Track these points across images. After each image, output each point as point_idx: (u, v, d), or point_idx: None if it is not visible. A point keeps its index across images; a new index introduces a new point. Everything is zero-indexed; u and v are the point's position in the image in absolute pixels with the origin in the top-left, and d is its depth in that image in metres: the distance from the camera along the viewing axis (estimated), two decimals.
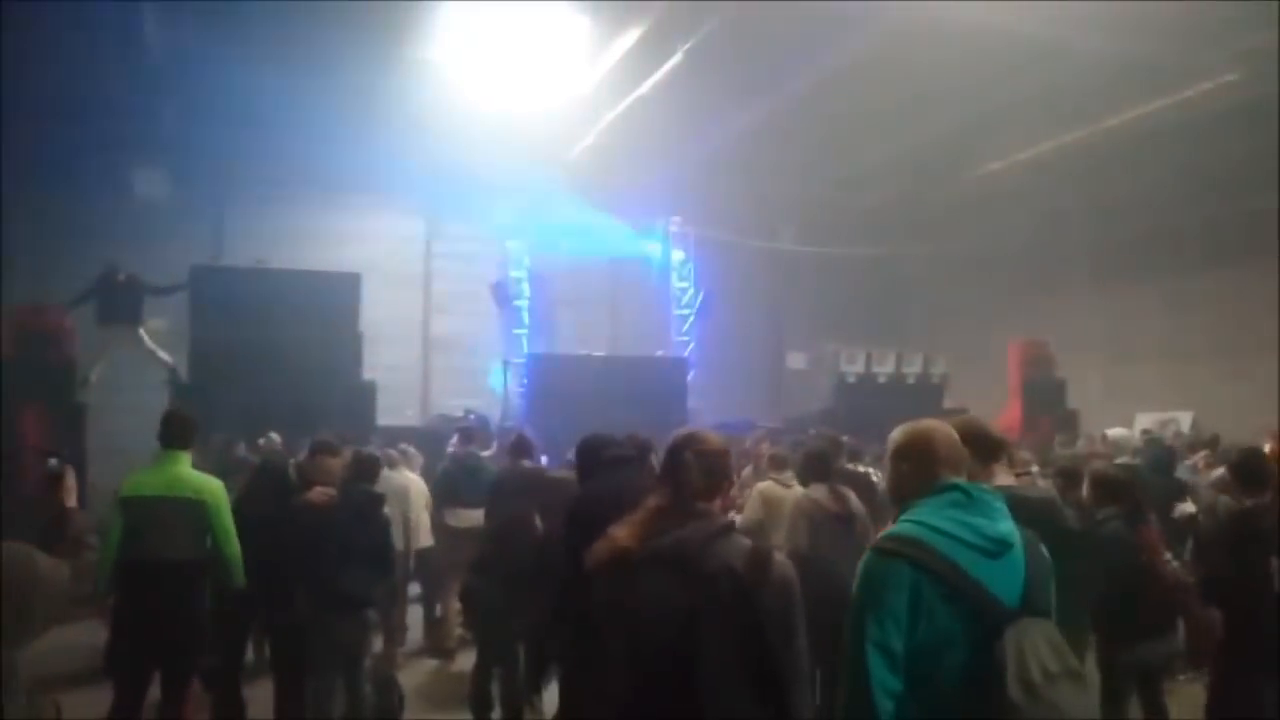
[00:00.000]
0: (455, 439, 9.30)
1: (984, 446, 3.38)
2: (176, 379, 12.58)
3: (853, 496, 5.31)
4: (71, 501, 3.54)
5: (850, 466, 6.45)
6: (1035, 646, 2.23)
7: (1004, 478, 3.58)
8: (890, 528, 2.42)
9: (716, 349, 18.32)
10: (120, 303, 12.53)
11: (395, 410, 14.76)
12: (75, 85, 14.14)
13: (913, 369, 16.00)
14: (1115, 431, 8.88)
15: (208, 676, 5.22)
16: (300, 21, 12.39)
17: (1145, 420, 15.38)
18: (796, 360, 20.40)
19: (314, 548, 5.04)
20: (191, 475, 5.00)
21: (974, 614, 2.23)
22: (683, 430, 2.68)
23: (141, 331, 12.86)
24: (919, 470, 2.45)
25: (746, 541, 2.44)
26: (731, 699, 2.28)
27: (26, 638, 2.73)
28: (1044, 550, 2.44)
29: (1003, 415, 15.44)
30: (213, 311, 12.42)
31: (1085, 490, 5.18)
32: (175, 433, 5.06)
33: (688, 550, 2.37)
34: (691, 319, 17.97)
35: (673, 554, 2.36)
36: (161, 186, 16.37)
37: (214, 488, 5.02)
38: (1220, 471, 6.80)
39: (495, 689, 5.54)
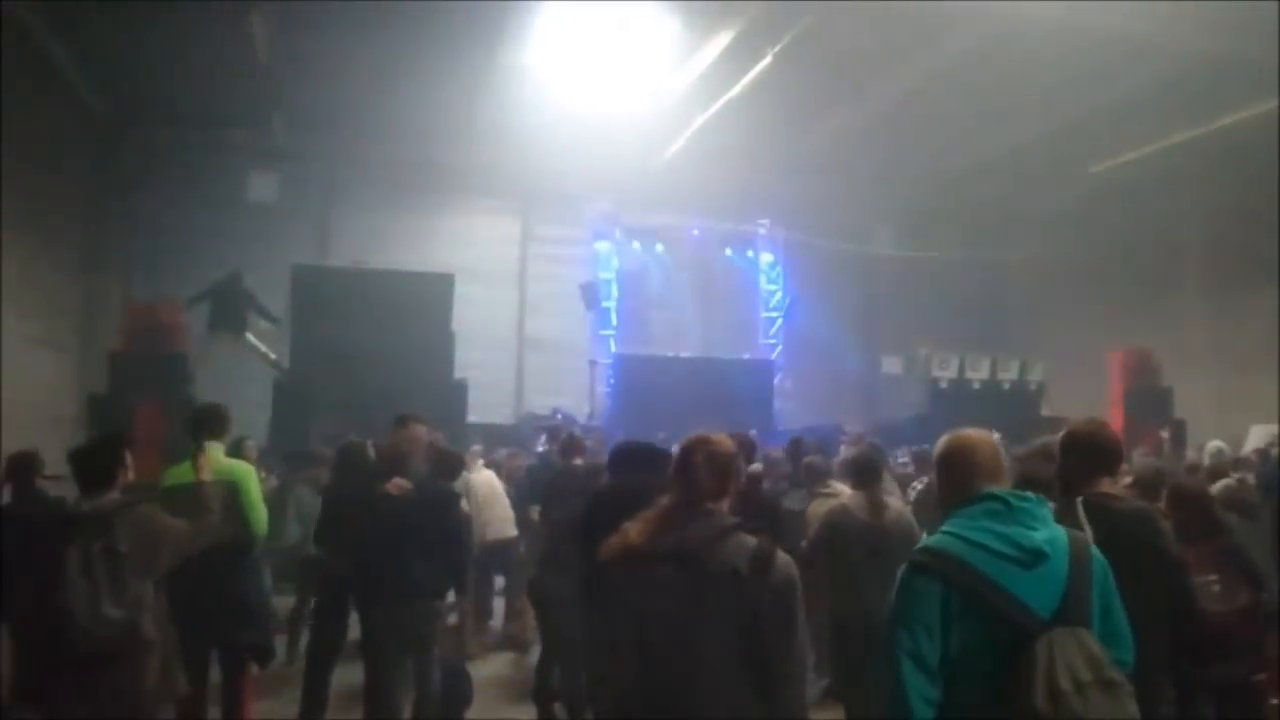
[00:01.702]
0: (544, 438, 9.48)
1: (1091, 454, 3.32)
2: (282, 375, 13.08)
3: (893, 506, 5.19)
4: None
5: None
6: (1067, 655, 2.24)
7: (1107, 486, 3.44)
8: (927, 540, 2.47)
9: (805, 352, 18.18)
10: (230, 311, 13.06)
11: (490, 409, 15.08)
12: (191, 95, 14.90)
13: (1008, 374, 15.61)
14: (1212, 445, 8.48)
15: (259, 654, 5.42)
16: (400, 29, 12.81)
17: (1260, 433, 14.68)
18: (891, 364, 20.06)
19: (388, 537, 5.23)
20: (224, 462, 5.25)
21: (1004, 624, 2.26)
22: (695, 434, 2.75)
23: (248, 335, 13.42)
24: (959, 479, 2.50)
25: (752, 541, 2.51)
26: (731, 693, 2.35)
27: (155, 572, 3.82)
28: (1097, 560, 2.44)
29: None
30: (312, 310, 12.88)
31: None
32: (205, 424, 5.28)
33: (692, 548, 2.45)
34: (779, 322, 17.87)
35: (678, 551, 2.45)
36: (271, 190, 17.08)
37: (241, 468, 5.32)
38: None
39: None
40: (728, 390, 14.37)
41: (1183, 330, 16.73)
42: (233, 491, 5.12)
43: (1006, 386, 15.58)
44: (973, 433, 2.58)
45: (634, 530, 2.54)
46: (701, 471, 2.60)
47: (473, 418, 13.07)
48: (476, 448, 9.03)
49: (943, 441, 2.59)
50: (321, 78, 14.38)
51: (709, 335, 18.47)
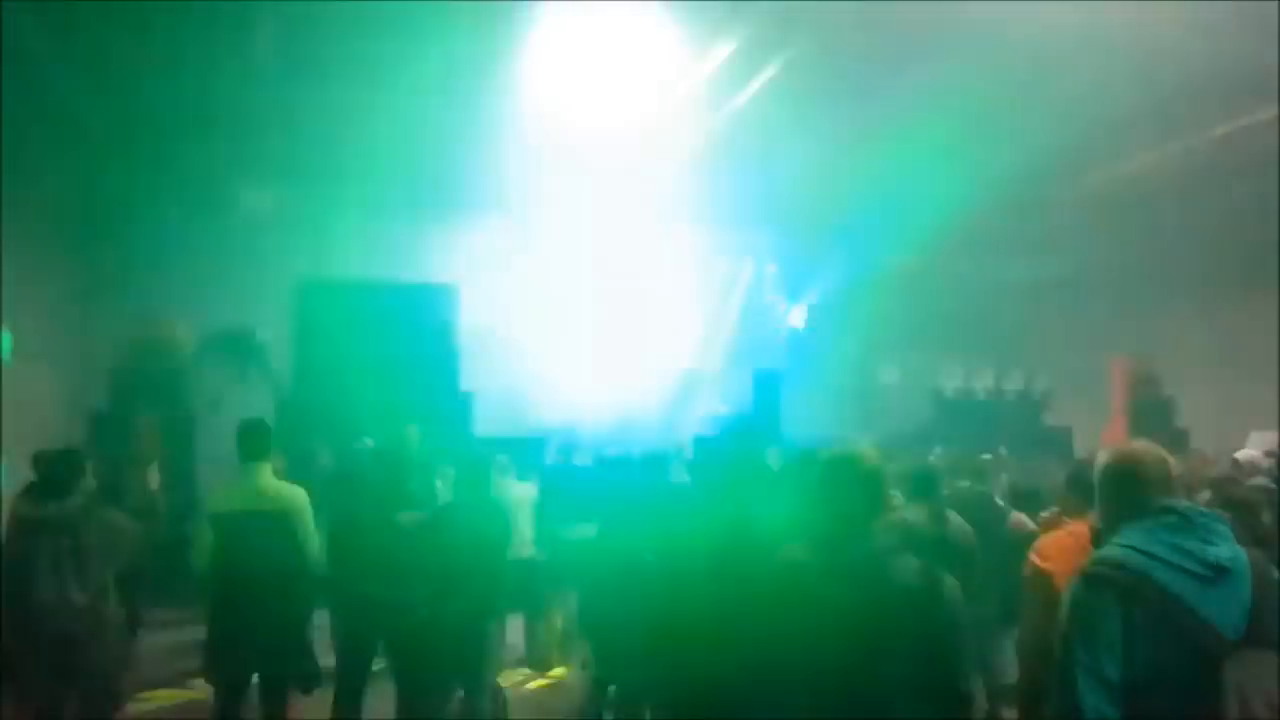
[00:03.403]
0: (555, 453, 9.36)
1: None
2: (275, 385, 12.90)
3: (954, 520, 5.10)
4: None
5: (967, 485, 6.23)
6: (1260, 680, 2.14)
7: None
8: (1101, 551, 2.34)
9: (810, 363, 18.08)
10: (233, 358, 12.85)
11: (490, 422, 14.92)
12: (189, 104, 14.67)
13: (1013, 385, 15.58)
14: (1244, 454, 8.46)
15: (304, 682, 5.26)
16: (398, 38, 12.65)
17: (1260, 440, 14.72)
18: (889, 375, 20.02)
19: (418, 564, 5.09)
20: (274, 486, 5.09)
21: (1188, 644, 2.14)
22: (843, 448, 2.64)
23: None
24: (1129, 494, 2.40)
25: (916, 560, 2.40)
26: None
27: (115, 565, 4.67)
28: (1275, 575, 2.33)
29: (1106, 433, 14.99)
30: (314, 323, 12.73)
31: None
32: (253, 444, 5.12)
33: (866, 567, 2.34)
34: (785, 332, 17.77)
35: (851, 569, 2.34)
36: (269, 202, 16.85)
37: (297, 497, 5.11)
38: None
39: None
40: (735, 402, 14.24)
41: (1184, 339, 16.77)
42: (285, 518, 4.95)
43: (1011, 397, 15.55)
44: (1139, 446, 2.52)
45: (798, 548, 2.42)
46: (858, 488, 2.49)
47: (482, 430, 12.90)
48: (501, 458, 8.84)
49: (1106, 454, 2.52)
50: (320, 86, 14.20)
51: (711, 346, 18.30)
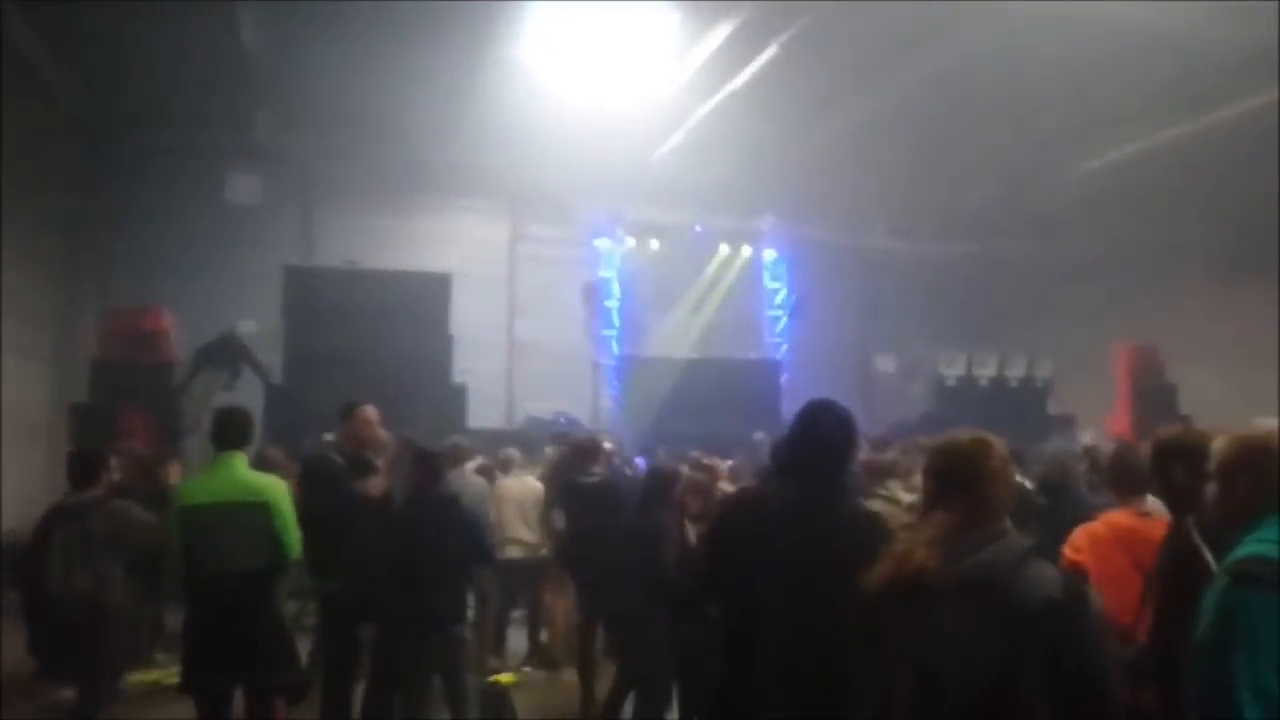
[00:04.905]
0: (552, 445, 9.08)
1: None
2: (267, 379, 12.58)
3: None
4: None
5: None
6: None
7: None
8: (1241, 551, 2.06)
9: (809, 351, 17.86)
10: (226, 367, 12.52)
11: (479, 414, 14.64)
12: (174, 94, 14.34)
13: (1015, 372, 15.36)
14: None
15: (291, 691, 4.92)
16: (387, 24, 12.35)
17: (1260, 426, 14.55)
18: (886, 363, 19.81)
19: (397, 559, 4.82)
20: (252, 477, 4.72)
21: None
22: (969, 434, 2.34)
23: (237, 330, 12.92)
24: (1264, 485, 2.11)
25: (1052, 567, 2.10)
26: None
27: (122, 555, 4.81)
28: None
29: (1112, 421, 14.80)
30: (305, 312, 12.43)
31: None
32: (230, 432, 4.76)
33: (1000, 576, 2.03)
34: (784, 320, 17.53)
35: (983, 579, 2.03)
36: (255, 191, 16.51)
37: (276, 488, 4.73)
38: None
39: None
40: (735, 391, 14.02)
41: (1187, 325, 16.57)
42: (263, 512, 4.58)
43: (1014, 384, 15.33)
44: (1267, 431, 2.22)
45: (920, 554, 2.10)
46: (995, 482, 2.19)
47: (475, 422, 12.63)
48: (512, 451, 8.51)
49: (1228, 443, 2.23)
50: (306, 74, 13.87)
51: (709, 335, 18.07)
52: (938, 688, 2.03)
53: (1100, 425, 15.00)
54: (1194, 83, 13.27)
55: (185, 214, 15.77)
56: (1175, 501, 3.01)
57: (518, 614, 8.41)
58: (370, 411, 5.31)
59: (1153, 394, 14.94)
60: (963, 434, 2.34)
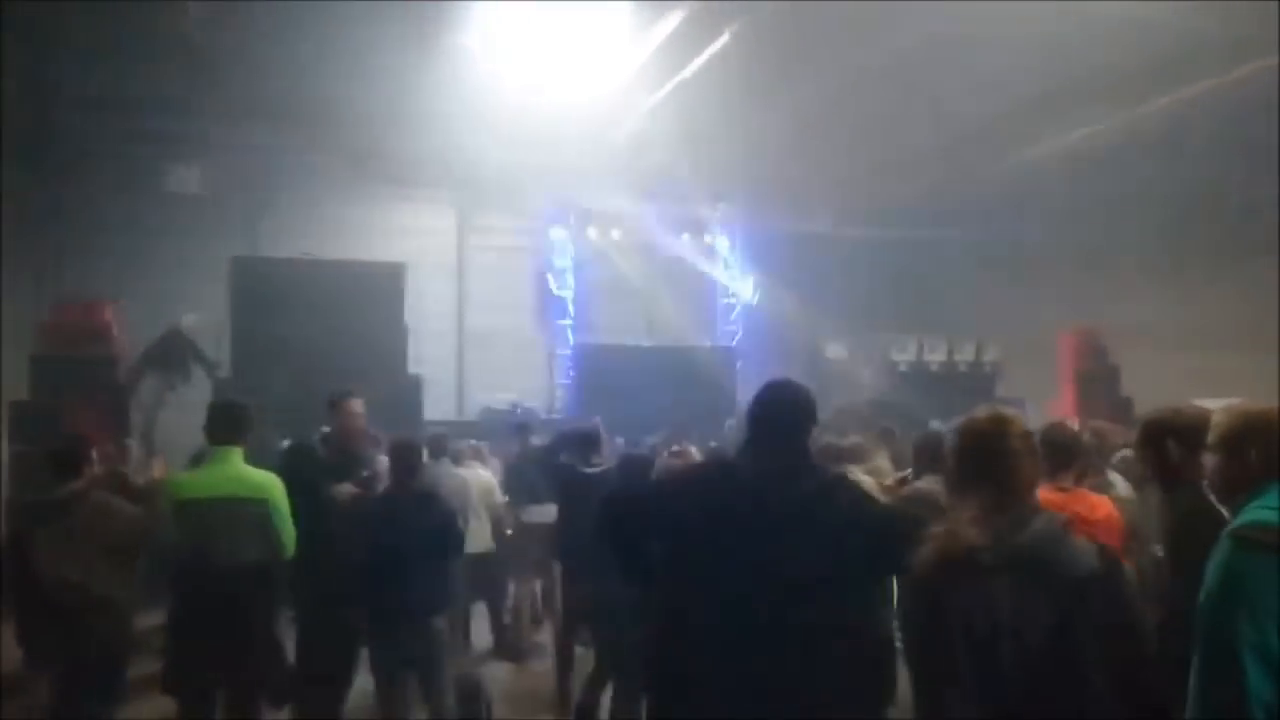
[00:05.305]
0: (515, 436, 9.03)
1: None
2: (215, 375, 12.32)
3: None
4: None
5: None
6: None
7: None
8: (1244, 516, 2.13)
9: (762, 338, 17.96)
10: (174, 365, 12.23)
11: (432, 405, 14.50)
12: (115, 81, 13.96)
13: (965, 356, 15.62)
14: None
15: (275, 692, 4.88)
16: (334, 10, 12.14)
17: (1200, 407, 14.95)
18: (835, 350, 19.97)
19: (378, 552, 4.76)
20: (251, 473, 4.65)
21: None
22: (990, 411, 2.36)
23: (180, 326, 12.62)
24: (1265, 455, 2.21)
25: (1085, 540, 2.14)
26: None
27: (109, 547, 4.59)
28: None
29: (1057, 404, 15.10)
30: (253, 304, 12.18)
31: None
32: (227, 426, 4.69)
33: (1047, 551, 2.07)
34: (739, 307, 17.61)
35: (1032, 555, 2.07)
36: (197, 180, 16.14)
37: (276, 485, 4.66)
38: None
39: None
40: (691, 378, 14.04)
41: (1130, 309, 16.95)
42: (263, 509, 4.53)
43: (963, 368, 15.59)
44: (1265, 405, 2.32)
45: (967, 533, 2.12)
46: (1025, 459, 2.23)
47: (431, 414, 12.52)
48: (476, 443, 8.44)
49: (1228, 416, 2.34)
50: (249, 62, 13.59)
51: (663, 322, 18.08)
52: (995, 660, 2.06)
53: (1045, 408, 15.32)
54: (1135, 71, 13.51)
55: (126, 205, 15.38)
56: (1170, 476, 3.11)
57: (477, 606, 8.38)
58: (356, 404, 5.23)
59: (1096, 377, 15.30)
60: (982, 413, 2.37)
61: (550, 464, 6.36)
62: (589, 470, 5.89)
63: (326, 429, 5.64)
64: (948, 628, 2.10)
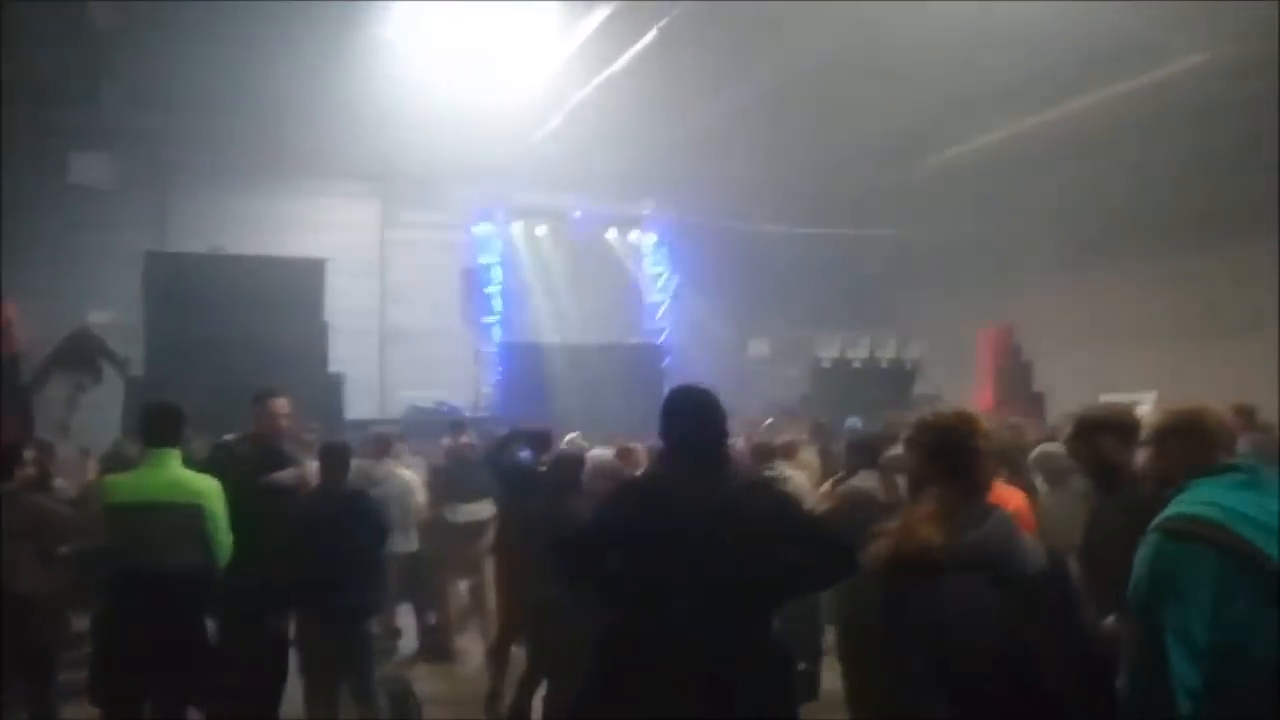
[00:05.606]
0: (448, 434, 8.90)
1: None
2: (127, 374, 11.88)
3: (903, 484, 4.97)
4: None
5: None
6: None
7: None
8: (1172, 509, 2.18)
9: (688, 336, 18.02)
10: (83, 364, 11.74)
11: (351, 404, 14.22)
12: (11, 64, 13.32)
13: (886, 353, 15.90)
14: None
15: (205, 701, 4.68)
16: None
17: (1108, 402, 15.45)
18: (758, 347, 20.14)
19: (307, 551, 4.66)
20: (188, 478, 4.47)
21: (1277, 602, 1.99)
22: (956, 411, 2.39)
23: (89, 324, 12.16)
24: (1195, 449, 2.28)
25: (1033, 539, 2.16)
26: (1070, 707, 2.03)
27: (37, 547, 4.67)
28: None
29: (975, 399, 15.45)
30: (168, 301, 11.80)
31: None
32: (162, 428, 4.49)
33: (999, 550, 2.08)
34: (665, 305, 17.66)
35: (984, 553, 2.07)
36: (102, 171, 15.54)
37: (213, 489, 4.48)
38: None
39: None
40: (617, 376, 14.01)
41: (1039, 306, 17.45)
42: (195, 514, 4.35)
43: (885, 365, 15.86)
44: (1198, 404, 2.42)
45: (923, 530, 2.11)
46: (981, 459, 2.24)
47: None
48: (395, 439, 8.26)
49: (1164, 414, 2.44)
50: (158, 49, 13.14)
51: (589, 320, 18.03)
52: (947, 658, 2.06)
53: (964, 405, 15.67)
54: (1050, 74, 13.87)
55: (27, 197, 14.71)
56: (1104, 471, 3.17)
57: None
58: (280, 403, 5.06)
59: (1011, 373, 15.71)
60: (948, 410, 2.42)
61: (499, 461, 6.25)
62: (539, 469, 5.85)
63: (233, 435, 5.47)
64: (904, 624, 2.11)
